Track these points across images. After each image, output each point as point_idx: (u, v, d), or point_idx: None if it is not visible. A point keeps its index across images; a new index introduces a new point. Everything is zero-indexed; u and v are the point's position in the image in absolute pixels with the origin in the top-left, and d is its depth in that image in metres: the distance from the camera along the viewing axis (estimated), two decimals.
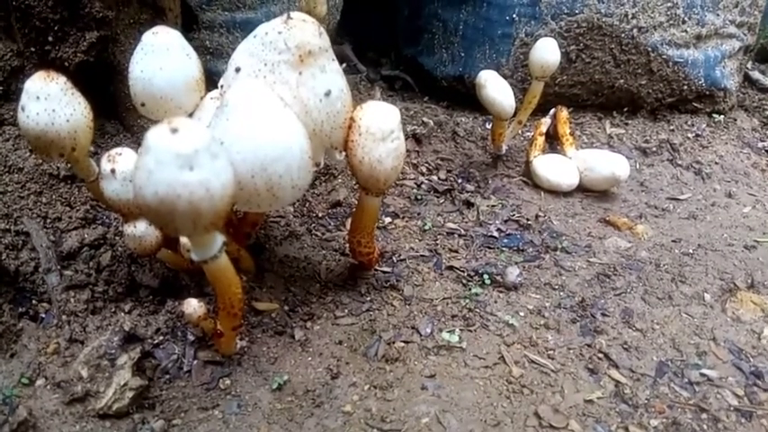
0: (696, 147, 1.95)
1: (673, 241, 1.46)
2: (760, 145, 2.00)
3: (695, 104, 2.04)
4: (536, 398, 0.97)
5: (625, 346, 1.09)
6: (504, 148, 1.78)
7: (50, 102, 0.79)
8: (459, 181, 1.70)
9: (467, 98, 2.03)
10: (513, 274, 1.25)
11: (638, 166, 1.85)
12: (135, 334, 0.92)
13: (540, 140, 1.79)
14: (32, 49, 1.14)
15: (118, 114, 1.30)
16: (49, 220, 1.13)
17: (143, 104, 0.90)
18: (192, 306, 0.89)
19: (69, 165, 1.20)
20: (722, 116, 2.06)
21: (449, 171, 1.74)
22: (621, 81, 1.94)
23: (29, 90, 0.79)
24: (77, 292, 1.02)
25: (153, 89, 0.87)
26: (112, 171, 0.85)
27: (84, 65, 1.16)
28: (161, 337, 0.95)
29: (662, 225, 1.56)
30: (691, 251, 1.41)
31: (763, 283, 1.26)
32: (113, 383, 0.85)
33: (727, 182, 1.81)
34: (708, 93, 2.01)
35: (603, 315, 1.18)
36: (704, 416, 0.94)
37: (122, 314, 0.99)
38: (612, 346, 1.09)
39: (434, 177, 1.71)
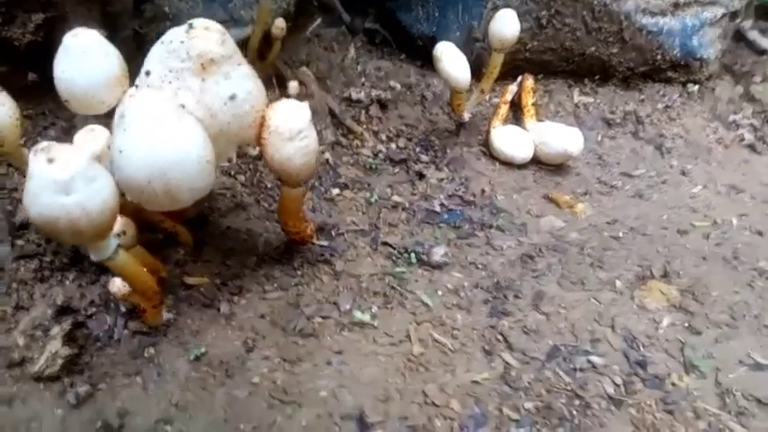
0: (663, 119, 1.94)
1: (607, 223, 1.51)
2: (731, 118, 1.98)
3: (669, 74, 2.01)
4: (429, 376, 1.07)
5: (526, 329, 1.18)
6: (467, 116, 1.81)
7: None
8: (417, 150, 1.75)
9: None
10: (438, 253, 1.33)
11: (599, 138, 1.87)
12: (69, 306, 1.04)
13: (504, 109, 1.82)
14: None
15: None
16: (6, 190, 1.23)
17: (67, 101, 0.97)
18: (117, 285, 1.00)
19: None
20: (697, 86, 2.04)
21: (408, 139, 1.78)
22: (593, 49, 1.93)
23: None
24: (27, 262, 1.13)
25: (74, 88, 0.94)
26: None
27: (34, 45, 1.22)
28: (94, 309, 1.07)
29: (604, 203, 1.60)
30: (620, 234, 1.46)
31: (679, 271, 1.32)
32: (45, 352, 0.97)
33: (686, 158, 1.82)
34: (683, 63, 1.98)
35: (516, 297, 1.26)
36: (577, 402, 1.04)
37: (63, 285, 1.10)
38: (514, 329, 1.18)
39: (393, 146, 1.76)
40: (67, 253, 1.17)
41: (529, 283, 1.29)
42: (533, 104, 1.85)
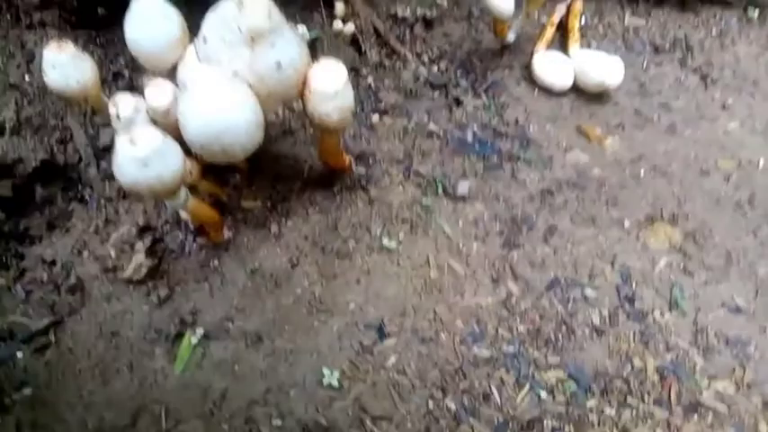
0: (715, 46, 1.90)
1: (632, 160, 1.58)
2: None
3: None
4: (440, 297, 1.27)
5: (532, 261, 1.34)
6: (513, 37, 1.83)
7: (63, 69, 1.05)
8: (458, 73, 1.81)
9: None
10: (463, 186, 1.48)
11: (645, 65, 1.86)
12: (148, 225, 1.28)
13: (550, 32, 1.83)
14: None
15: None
16: (88, 116, 1.44)
17: (137, 59, 1.13)
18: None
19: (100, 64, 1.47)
20: (758, 10, 1.95)
21: (450, 61, 1.83)
22: None
23: (46, 59, 1.05)
24: (111, 182, 1.37)
25: (141, 49, 1.10)
26: (117, 116, 1.12)
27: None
28: (169, 227, 1.30)
29: (635, 137, 1.66)
30: (641, 173, 1.54)
31: (688, 214, 1.42)
32: (132, 262, 1.23)
33: (730, 90, 1.80)
34: None
35: (529, 230, 1.40)
36: (564, 328, 1.22)
37: (138, 211, 1.33)
38: (522, 260, 1.34)
39: (434, 69, 1.82)
40: None
41: (544, 218, 1.43)
42: (580, 28, 1.84)
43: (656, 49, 1.89)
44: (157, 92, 1.09)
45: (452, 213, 1.44)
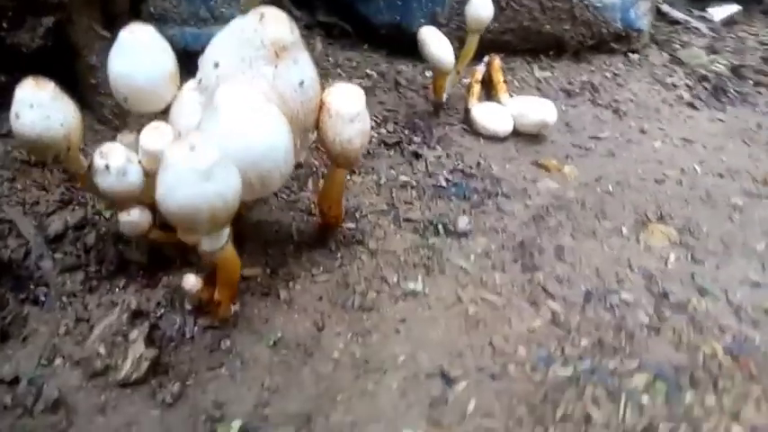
0: (614, 86, 2.14)
1: (595, 180, 1.66)
2: (669, 80, 2.22)
3: (613, 45, 2.22)
4: (489, 330, 1.16)
5: (558, 278, 1.30)
6: (445, 96, 1.91)
7: (44, 109, 0.84)
8: (406, 132, 1.82)
9: (406, 46, 2.10)
10: (463, 222, 1.42)
11: (563, 108, 2.02)
12: (140, 309, 1.03)
13: (477, 88, 1.93)
14: None
15: (79, 92, 1.32)
16: (27, 205, 1.18)
17: (125, 99, 0.96)
18: (191, 281, 1.00)
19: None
20: (636, 54, 2.26)
21: (395, 123, 1.85)
22: (548, 27, 2.09)
23: (21, 98, 0.84)
24: (72, 274, 1.10)
25: (134, 84, 0.94)
26: (106, 167, 0.92)
27: (44, 50, 1.17)
28: (162, 310, 1.06)
29: (586, 164, 1.75)
30: (610, 189, 1.61)
31: (670, 214, 1.49)
32: (129, 356, 0.96)
33: (640, 118, 2.01)
34: (624, 34, 2.19)
35: (539, 253, 1.37)
36: (622, 334, 1.16)
37: (119, 291, 1.08)
38: (548, 280, 1.29)
39: (383, 130, 1.81)
40: (112, 260, 1.15)
41: (547, 239, 1.41)
42: (503, 81, 1.97)
43: (569, 94, 2.08)
44: (156, 135, 0.92)
45: (460, 250, 1.37)
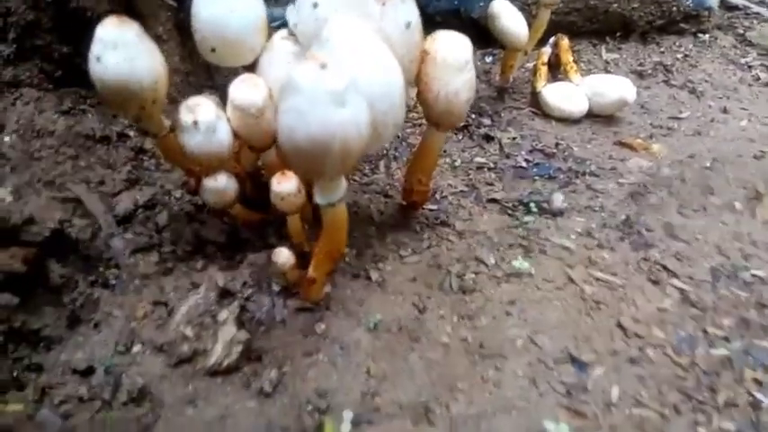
0: (686, 66, 2.01)
1: (688, 157, 1.52)
2: (743, 61, 2.08)
3: (682, 25, 2.09)
4: (613, 311, 1.02)
5: (677, 257, 1.15)
6: (510, 79, 1.79)
7: (130, 50, 0.73)
8: (473, 116, 1.70)
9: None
10: (558, 200, 1.29)
11: (636, 89, 1.90)
12: (228, 289, 0.90)
13: (544, 70, 1.81)
14: (48, 0, 1.05)
15: None
16: (92, 185, 1.07)
17: (213, 50, 0.85)
18: (284, 255, 0.88)
19: (102, 122, 1.13)
20: (706, 35, 2.13)
21: None
22: (615, 5, 1.97)
23: (103, 38, 0.73)
24: (145, 255, 0.99)
25: (225, 32, 0.82)
26: (195, 123, 0.81)
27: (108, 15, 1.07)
28: (249, 291, 0.93)
29: (672, 143, 1.62)
30: (708, 165, 1.47)
31: None
32: (220, 339, 0.84)
33: (719, 98, 1.88)
34: (694, 13, 2.06)
35: (648, 230, 1.23)
36: (766, 311, 1.01)
37: (198, 273, 0.96)
38: (666, 258, 1.15)
39: None
40: (188, 240, 1.03)
41: (653, 217, 1.27)
42: (574, 61, 1.85)
43: (641, 75, 1.95)
44: (247, 87, 0.81)
45: (558, 229, 1.23)
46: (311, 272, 0.90)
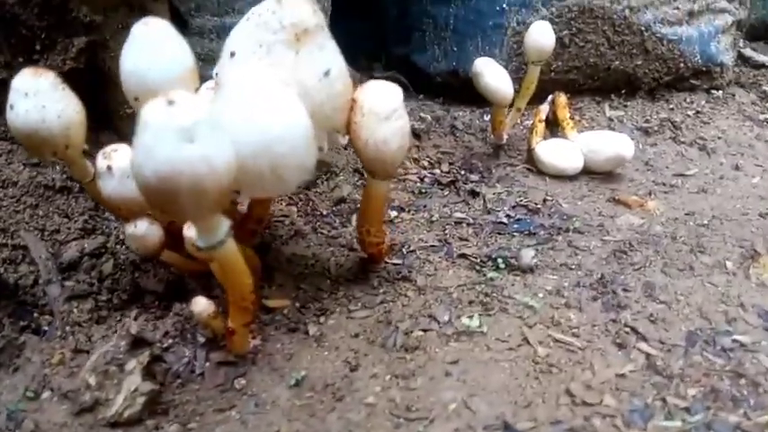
0: (698, 123, 1.93)
1: (686, 214, 1.43)
2: (761, 117, 1.99)
3: (693, 81, 2.02)
4: (565, 376, 0.93)
5: (651, 318, 1.05)
6: (505, 137, 1.76)
7: (40, 98, 0.76)
8: (463, 172, 1.67)
9: (462, 92, 2.00)
10: (527, 256, 1.22)
11: (641, 146, 1.82)
12: (143, 338, 0.88)
13: (541, 127, 1.77)
14: (20, 60, 1.11)
15: (112, 123, 1.27)
16: (47, 233, 1.10)
17: (136, 99, 0.87)
18: (201, 304, 0.86)
19: (65, 173, 1.17)
20: (720, 92, 2.05)
21: (450, 164, 1.72)
22: (617, 63, 1.93)
23: (17, 87, 0.76)
24: (80, 302, 0.99)
25: (147, 82, 0.84)
26: (109, 168, 0.82)
27: (75, 72, 1.13)
28: (170, 341, 0.91)
29: (672, 200, 1.53)
30: (706, 222, 1.38)
31: None
32: (123, 389, 0.81)
33: (732, 155, 1.78)
34: (704, 69, 1.99)
35: (625, 290, 1.14)
36: (742, 381, 0.90)
37: (128, 320, 0.95)
38: (638, 320, 1.05)
39: (437, 171, 1.68)
40: (126, 288, 1.03)
41: (633, 276, 1.18)
42: (570, 118, 1.81)
43: (646, 132, 1.89)
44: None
45: (525, 287, 1.16)
46: (229, 322, 0.87)
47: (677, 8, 1.88)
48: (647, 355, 0.97)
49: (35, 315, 0.97)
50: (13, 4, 1.03)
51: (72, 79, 1.14)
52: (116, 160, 0.82)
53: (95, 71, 1.15)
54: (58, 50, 1.11)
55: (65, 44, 1.11)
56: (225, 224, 0.70)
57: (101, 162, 0.83)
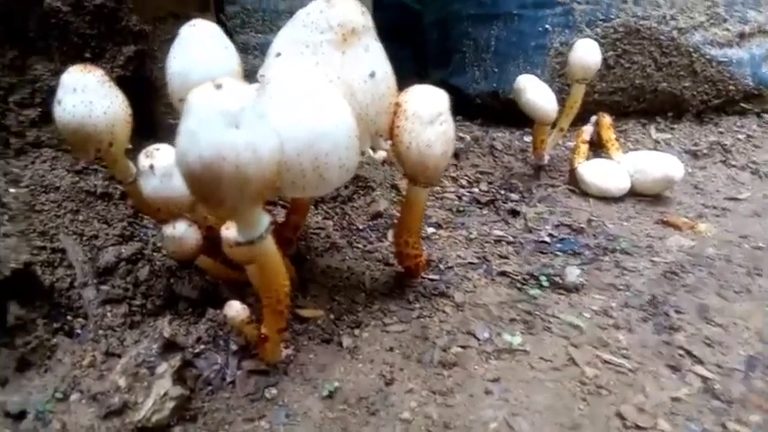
0: (749, 147, 1.85)
1: (740, 237, 1.36)
2: None
3: (743, 105, 1.95)
4: (616, 398, 0.87)
5: (707, 341, 0.99)
6: (546, 157, 1.72)
7: (87, 94, 0.77)
8: (502, 192, 1.63)
9: (501, 114, 1.98)
10: (573, 274, 1.17)
11: (689, 169, 1.76)
12: (175, 342, 0.86)
13: (584, 148, 1.72)
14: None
15: (156, 132, 1.28)
16: (85, 238, 1.10)
17: (181, 101, 0.86)
18: (235, 308, 0.83)
19: (107, 180, 1.18)
20: None
21: (490, 183, 1.68)
22: (664, 84, 1.87)
23: (65, 83, 0.77)
24: (114, 307, 0.98)
25: (191, 84, 0.84)
26: (151, 167, 0.82)
27: (122, 80, 1.14)
28: (202, 346, 0.89)
29: (725, 223, 1.46)
30: (762, 245, 1.30)
31: None
32: (152, 393, 0.78)
33: None
34: (756, 92, 1.92)
35: (677, 312, 1.07)
36: None
37: (162, 323, 0.93)
38: (693, 343, 0.98)
39: (476, 189, 1.65)
40: (160, 294, 1.02)
41: (686, 298, 1.11)
42: (615, 139, 1.75)
43: (695, 155, 1.82)
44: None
45: (570, 306, 1.10)
46: (263, 329, 0.85)
47: (727, 29, 1.83)
48: (704, 379, 0.90)
49: (69, 317, 0.97)
50: (67, 12, 1.05)
51: (119, 87, 1.17)
52: (158, 159, 0.82)
53: (142, 80, 1.17)
54: (106, 58, 1.14)
55: (113, 52, 1.14)
56: (265, 219, 0.68)
57: (143, 161, 0.83)
